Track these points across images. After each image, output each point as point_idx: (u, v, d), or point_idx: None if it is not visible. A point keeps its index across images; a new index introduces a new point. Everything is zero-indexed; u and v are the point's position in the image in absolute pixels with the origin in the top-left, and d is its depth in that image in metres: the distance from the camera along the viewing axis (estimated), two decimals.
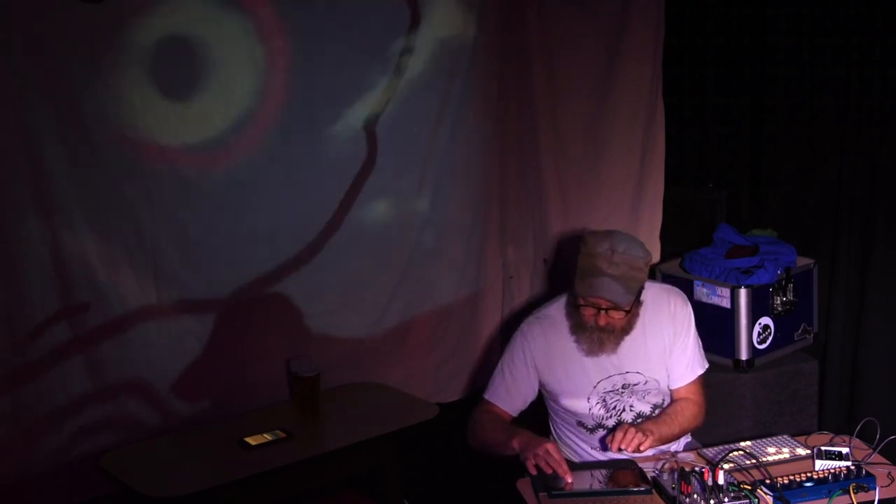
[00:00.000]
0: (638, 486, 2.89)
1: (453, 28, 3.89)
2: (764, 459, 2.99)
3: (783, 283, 4.11)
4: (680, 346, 3.28)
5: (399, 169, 3.87)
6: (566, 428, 3.37)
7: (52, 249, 3.20)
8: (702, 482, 2.73)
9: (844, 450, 2.97)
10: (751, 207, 4.71)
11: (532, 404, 3.35)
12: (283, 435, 3.33)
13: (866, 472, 2.86)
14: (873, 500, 2.80)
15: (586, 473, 3.00)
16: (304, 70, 3.59)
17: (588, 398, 3.25)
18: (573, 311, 3.21)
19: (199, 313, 3.51)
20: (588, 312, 3.15)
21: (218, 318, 3.54)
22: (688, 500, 2.72)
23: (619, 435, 3.02)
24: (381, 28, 3.74)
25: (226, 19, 3.43)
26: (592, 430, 3.30)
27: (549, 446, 2.96)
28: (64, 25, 3.13)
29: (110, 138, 3.26)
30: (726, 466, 2.91)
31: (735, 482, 2.82)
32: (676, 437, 3.26)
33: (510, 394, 3.29)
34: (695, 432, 3.38)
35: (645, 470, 2.97)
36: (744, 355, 4.05)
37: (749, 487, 2.79)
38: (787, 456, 3.04)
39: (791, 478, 2.85)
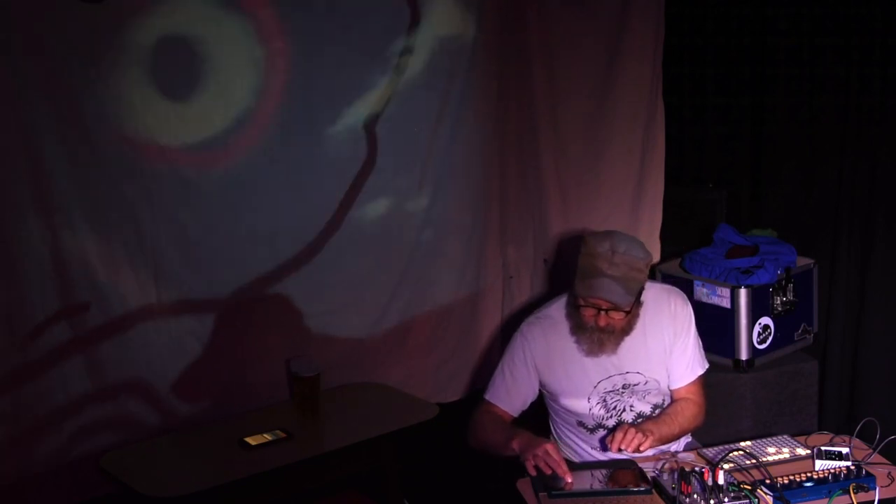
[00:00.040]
0: (638, 486, 2.89)
1: (453, 28, 3.89)
2: (764, 459, 2.99)
3: (783, 283, 4.11)
4: (680, 347, 3.28)
5: (399, 169, 3.87)
6: (566, 428, 3.37)
7: (52, 249, 3.20)
8: (702, 482, 2.73)
9: (844, 450, 2.97)
10: (751, 207, 4.71)
11: (532, 404, 3.35)
12: (283, 435, 3.33)
13: (866, 472, 2.86)
14: (873, 500, 2.80)
15: (586, 473, 3.00)
16: (304, 70, 3.59)
17: (588, 398, 3.25)
18: (573, 312, 3.21)
19: (199, 313, 3.51)
20: (588, 313, 3.15)
21: (218, 318, 3.54)
22: (688, 500, 2.72)
23: (618, 435, 3.02)
24: (380, 28, 3.74)
25: (226, 20, 3.43)
26: (593, 431, 3.30)
27: (549, 447, 2.96)
28: (64, 25, 3.13)
29: (110, 138, 3.26)
30: (726, 466, 2.92)
31: (735, 482, 2.82)
32: (676, 438, 3.26)
33: (510, 394, 3.29)
34: (695, 432, 3.38)
35: (645, 470, 2.97)
36: (744, 355, 4.05)
37: (749, 487, 2.79)
38: (787, 456, 3.04)
39: (791, 478, 2.85)
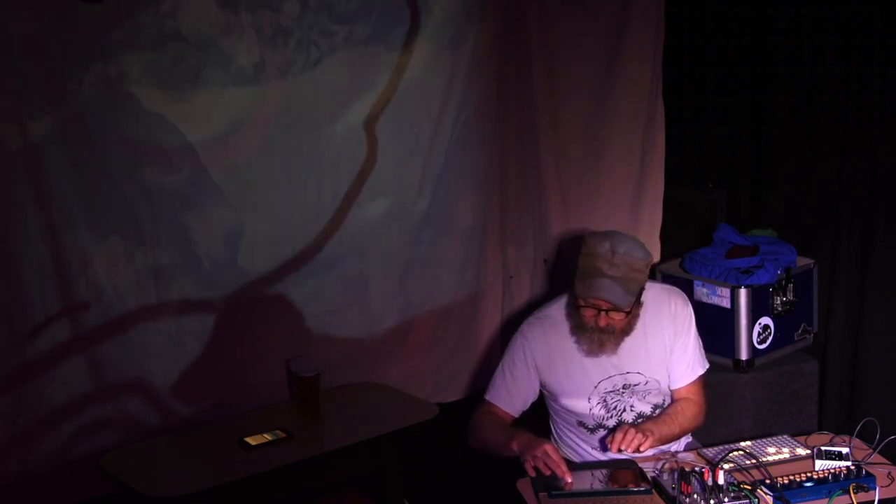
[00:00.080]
0: (638, 485, 2.89)
1: (453, 28, 3.89)
2: (764, 459, 2.99)
3: (783, 283, 4.12)
4: (680, 347, 3.29)
5: (399, 169, 3.87)
6: (567, 428, 3.37)
7: (52, 249, 3.20)
8: (702, 482, 2.73)
9: (844, 450, 2.97)
10: (751, 207, 4.71)
11: (533, 404, 3.35)
12: (283, 435, 3.33)
13: (866, 472, 2.86)
14: (873, 500, 2.80)
15: (586, 473, 3.00)
16: (304, 70, 3.59)
17: (589, 398, 3.26)
18: (573, 312, 3.21)
19: (199, 313, 3.51)
20: (588, 313, 3.15)
21: (218, 318, 3.54)
22: (688, 500, 2.73)
23: (618, 436, 3.02)
24: (380, 28, 3.73)
25: (226, 19, 3.42)
26: (593, 431, 3.30)
27: (547, 447, 2.96)
28: (64, 25, 3.12)
29: (110, 138, 3.26)
30: (726, 466, 2.92)
31: (735, 482, 2.82)
32: (677, 438, 3.26)
33: (511, 394, 3.29)
34: (695, 432, 3.38)
35: (645, 470, 2.97)
36: (744, 355, 4.05)
37: (749, 487, 2.79)
38: (787, 456, 3.04)
39: (791, 478, 2.85)
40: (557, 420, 3.41)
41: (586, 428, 3.31)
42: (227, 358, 3.58)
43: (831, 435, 3.19)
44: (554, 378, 3.28)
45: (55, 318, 3.23)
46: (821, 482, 2.83)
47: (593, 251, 3.11)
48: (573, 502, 2.85)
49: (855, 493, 2.78)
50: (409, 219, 3.93)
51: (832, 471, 2.87)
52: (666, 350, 3.27)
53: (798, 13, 4.39)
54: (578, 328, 3.19)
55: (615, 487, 2.91)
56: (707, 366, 3.36)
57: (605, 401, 3.26)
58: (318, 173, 3.69)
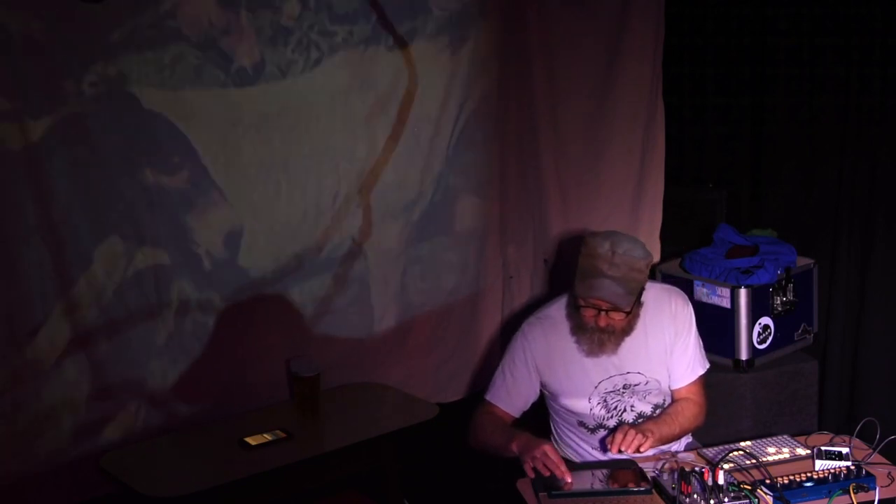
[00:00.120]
0: (638, 485, 2.89)
1: (453, 28, 3.89)
2: (764, 459, 2.99)
3: (783, 283, 4.12)
4: (681, 347, 3.29)
5: (399, 169, 3.87)
6: (567, 428, 3.37)
7: (52, 249, 3.20)
8: (702, 482, 2.73)
9: (844, 450, 2.97)
10: (751, 207, 4.71)
11: (533, 405, 3.35)
12: (283, 435, 3.33)
13: (866, 472, 2.87)
14: (873, 500, 2.80)
15: (587, 473, 3.00)
16: (304, 69, 3.59)
17: (589, 398, 3.25)
18: (574, 312, 3.21)
19: (199, 313, 3.51)
20: (588, 313, 3.15)
21: (218, 318, 3.54)
22: (688, 500, 2.73)
23: (618, 436, 3.02)
24: (381, 28, 3.73)
25: (225, 19, 3.42)
26: (593, 431, 3.30)
27: (547, 448, 2.96)
28: (64, 25, 3.12)
29: (110, 138, 3.26)
30: (726, 466, 2.92)
31: (735, 482, 2.82)
32: (677, 438, 3.26)
33: (511, 395, 3.29)
34: (695, 432, 3.38)
35: (645, 470, 2.97)
36: (744, 355, 4.05)
37: (749, 487, 2.79)
38: (787, 456, 3.04)
39: (791, 478, 2.85)
40: (558, 420, 3.41)
41: (586, 428, 3.31)
42: (227, 358, 3.58)
43: (831, 435, 3.19)
44: (554, 378, 3.27)
45: (55, 319, 3.23)
46: (821, 482, 2.83)
47: (593, 251, 3.11)
48: (573, 502, 2.85)
49: (855, 493, 2.78)
50: (409, 218, 3.93)
51: (832, 471, 2.87)
52: (666, 350, 3.27)
53: (798, 13, 4.39)
54: (579, 328, 3.19)
55: (615, 487, 2.91)
56: (707, 366, 3.37)
57: (605, 401, 3.26)
58: (318, 173, 3.69)
